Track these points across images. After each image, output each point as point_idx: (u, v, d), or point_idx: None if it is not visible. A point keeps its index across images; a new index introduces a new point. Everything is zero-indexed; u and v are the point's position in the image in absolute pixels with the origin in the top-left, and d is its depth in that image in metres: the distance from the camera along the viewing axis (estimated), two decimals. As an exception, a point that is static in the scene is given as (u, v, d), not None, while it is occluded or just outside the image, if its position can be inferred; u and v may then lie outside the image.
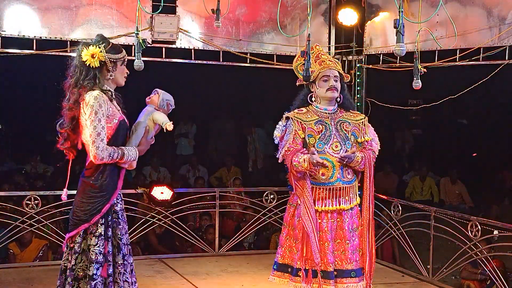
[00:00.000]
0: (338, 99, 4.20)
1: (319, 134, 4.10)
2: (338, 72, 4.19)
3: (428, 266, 6.41)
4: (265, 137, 11.45)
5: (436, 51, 6.40)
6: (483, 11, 6.10)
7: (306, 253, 4.03)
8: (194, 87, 12.11)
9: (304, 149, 4.08)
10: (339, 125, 4.16)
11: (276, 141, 4.23)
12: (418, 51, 5.78)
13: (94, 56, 3.61)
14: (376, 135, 4.32)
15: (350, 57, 7.30)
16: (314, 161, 3.89)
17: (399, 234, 6.77)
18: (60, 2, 6.25)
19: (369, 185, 4.17)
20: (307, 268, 4.04)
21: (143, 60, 6.05)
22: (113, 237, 3.67)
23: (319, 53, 4.25)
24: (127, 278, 3.71)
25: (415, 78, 5.83)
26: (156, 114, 3.81)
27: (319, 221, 4.08)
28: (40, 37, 6.21)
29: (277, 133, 4.20)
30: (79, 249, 3.61)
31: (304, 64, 4.10)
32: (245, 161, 11.82)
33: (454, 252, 6.27)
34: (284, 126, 4.16)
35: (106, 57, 3.64)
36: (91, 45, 3.65)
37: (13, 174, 10.49)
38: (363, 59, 7.24)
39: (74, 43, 6.31)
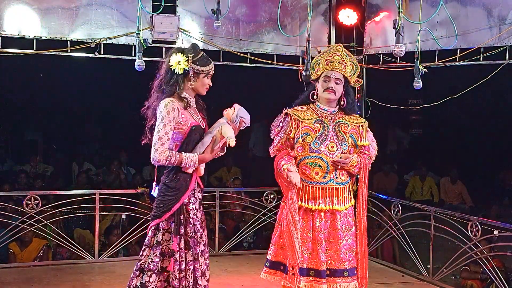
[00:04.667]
0: (342, 103, 4.18)
1: (316, 133, 4.11)
2: (344, 75, 4.13)
3: (428, 266, 6.41)
4: (264, 137, 11.40)
5: (436, 51, 6.40)
6: (483, 11, 6.10)
7: (291, 252, 4.05)
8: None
9: (292, 151, 4.13)
10: (337, 126, 4.15)
11: (272, 135, 4.28)
12: (418, 51, 5.79)
13: (180, 63, 3.80)
14: (375, 140, 4.32)
15: (350, 57, 7.29)
16: (289, 179, 3.97)
17: (399, 234, 6.78)
18: (60, 2, 6.25)
19: (364, 189, 4.24)
20: (294, 266, 4.05)
21: (143, 60, 6.08)
22: (184, 234, 3.86)
23: (334, 54, 4.18)
24: (198, 277, 3.89)
25: (415, 78, 5.85)
26: (225, 127, 3.93)
27: (312, 220, 4.09)
28: (40, 37, 6.22)
29: (276, 128, 4.23)
30: (148, 242, 3.87)
31: (316, 62, 4.20)
32: (245, 161, 11.81)
33: (454, 252, 6.27)
34: (281, 122, 4.21)
35: (190, 67, 3.83)
36: (181, 52, 3.83)
37: (13, 174, 10.47)
38: (363, 59, 7.23)
39: (74, 43, 6.33)
